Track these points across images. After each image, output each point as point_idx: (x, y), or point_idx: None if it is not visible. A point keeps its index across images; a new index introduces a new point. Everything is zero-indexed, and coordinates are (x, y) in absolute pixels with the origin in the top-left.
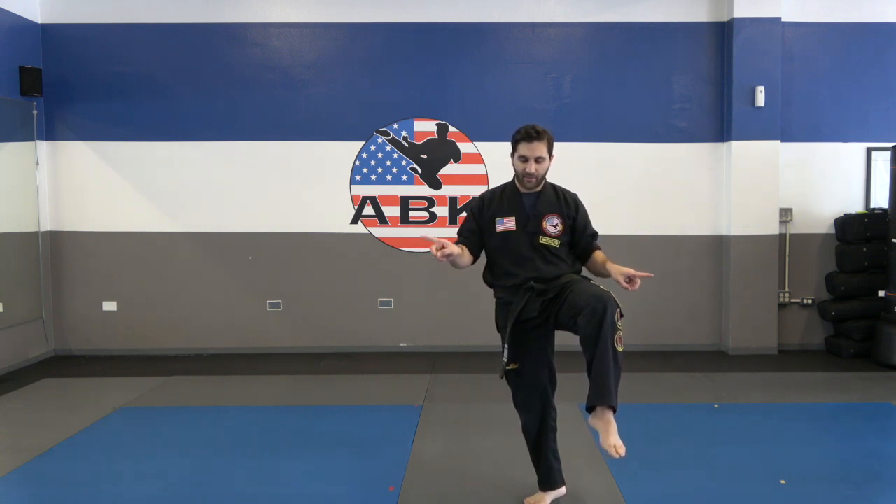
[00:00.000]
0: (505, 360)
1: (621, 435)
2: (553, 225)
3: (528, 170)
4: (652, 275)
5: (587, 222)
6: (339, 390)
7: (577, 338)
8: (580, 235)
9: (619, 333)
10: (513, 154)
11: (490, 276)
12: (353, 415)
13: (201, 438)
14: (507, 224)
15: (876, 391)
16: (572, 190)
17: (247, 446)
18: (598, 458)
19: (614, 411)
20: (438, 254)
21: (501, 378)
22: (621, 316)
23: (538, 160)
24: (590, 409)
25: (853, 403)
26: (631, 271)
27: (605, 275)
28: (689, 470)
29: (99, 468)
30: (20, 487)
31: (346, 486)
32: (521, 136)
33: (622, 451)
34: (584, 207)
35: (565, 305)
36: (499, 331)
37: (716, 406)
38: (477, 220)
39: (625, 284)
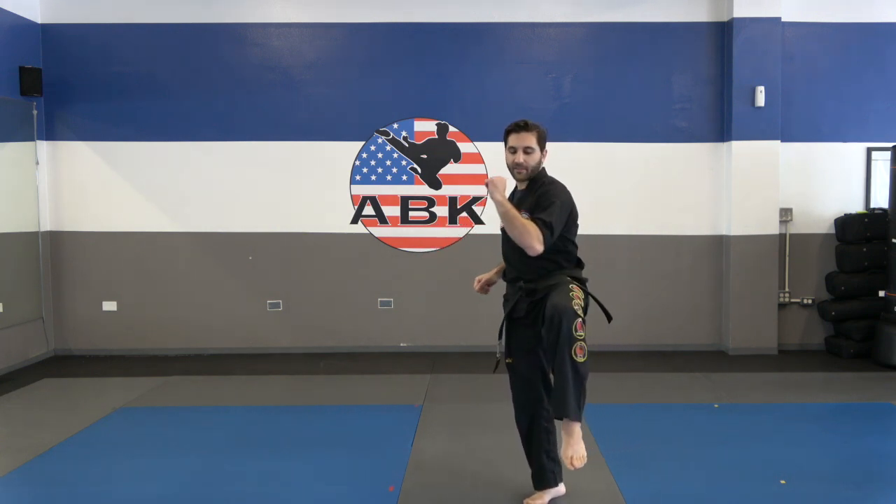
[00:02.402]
0: (499, 353)
1: (621, 434)
2: None
3: (517, 160)
4: None
5: (543, 207)
6: (339, 390)
7: None
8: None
9: (579, 344)
10: (505, 148)
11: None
12: (353, 415)
13: (201, 438)
14: None
15: (876, 391)
16: (572, 190)
17: (247, 446)
18: (599, 458)
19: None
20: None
21: (494, 371)
22: (583, 324)
23: (526, 150)
24: (557, 417)
25: (853, 403)
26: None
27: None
28: (689, 470)
29: (99, 468)
30: (20, 487)
31: (346, 486)
32: (511, 128)
33: (578, 464)
34: (548, 194)
35: (544, 311)
36: None
37: (716, 406)
38: None
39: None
